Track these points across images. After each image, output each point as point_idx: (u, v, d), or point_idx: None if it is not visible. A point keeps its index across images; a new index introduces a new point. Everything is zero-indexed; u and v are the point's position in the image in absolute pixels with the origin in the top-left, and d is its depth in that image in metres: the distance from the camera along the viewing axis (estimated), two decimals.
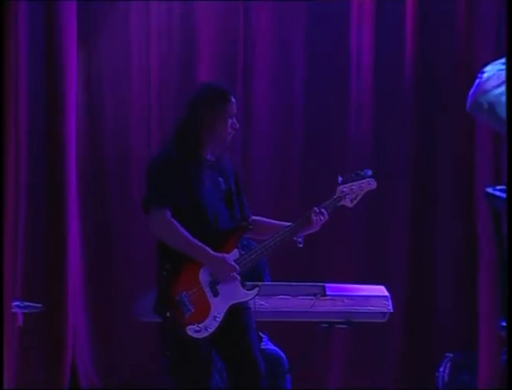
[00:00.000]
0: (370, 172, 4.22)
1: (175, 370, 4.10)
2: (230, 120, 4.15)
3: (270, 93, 6.37)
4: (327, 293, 5.11)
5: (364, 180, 4.20)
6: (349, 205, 4.21)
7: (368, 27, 6.37)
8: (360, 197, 4.21)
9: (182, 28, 6.21)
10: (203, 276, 4.04)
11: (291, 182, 6.33)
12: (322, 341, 5.57)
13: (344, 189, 4.18)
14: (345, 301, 5.15)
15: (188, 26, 6.20)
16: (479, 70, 2.30)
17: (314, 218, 4.12)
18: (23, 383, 5.41)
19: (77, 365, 5.73)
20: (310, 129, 6.38)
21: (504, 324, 2.60)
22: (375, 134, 6.40)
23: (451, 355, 5.76)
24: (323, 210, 4.13)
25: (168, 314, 4.00)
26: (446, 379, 5.68)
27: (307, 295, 5.09)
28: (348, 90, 6.41)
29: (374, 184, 4.22)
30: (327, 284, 5.16)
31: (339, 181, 4.18)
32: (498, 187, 2.66)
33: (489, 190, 2.68)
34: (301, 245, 4.18)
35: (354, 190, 4.19)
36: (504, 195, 2.58)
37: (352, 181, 4.19)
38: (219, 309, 4.02)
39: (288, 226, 4.17)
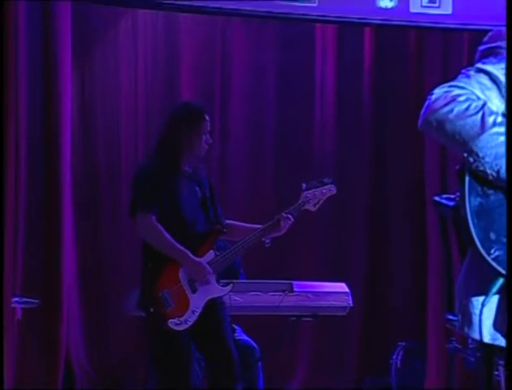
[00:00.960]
0: (330, 180, 4.25)
1: (158, 360, 4.11)
2: (204, 136, 4.17)
3: (244, 109, 6.38)
4: (295, 290, 5.13)
5: (325, 187, 4.23)
6: (313, 209, 4.23)
7: (331, 52, 6.39)
8: (322, 201, 4.23)
9: (166, 48, 6.20)
10: (182, 275, 4.06)
11: (262, 189, 6.33)
12: (290, 332, 5.55)
13: (308, 195, 4.19)
14: (310, 296, 5.17)
15: (172, 46, 6.20)
16: (429, 93, 2.30)
17: (281, 222, 4.14)
18: (20, 374, 5.38)
19: (71, 355, 5.70)
20: (279, 142, 6.39)
21: (449, 317, 2.61)
22: (336, 147, 6.42)
23: (403, 344, 5.84)
24: (289, 215, 4.15)
25: (152, 310, 4.01)
26: (399, 364, 5.75)
27: (276, 291, 5.11)
28: (313, 108, 6.42)
29: (334, 190, 4.24)
30: (294, 282, 5.18)
31: (303, 188, 4.20)
32: (444, 195, 2.67)
33: (436, 198, 2.71)
34: (267, 245, 4.20)
35: (317, 196, 4.21)
36: (449, 203, 2.58)
37: (314, 188, 4.21)
38: (197, 304, 4.04)
39: (259, 229, 4.19)
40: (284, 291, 5.11)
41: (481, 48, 2.37)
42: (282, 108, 6.38)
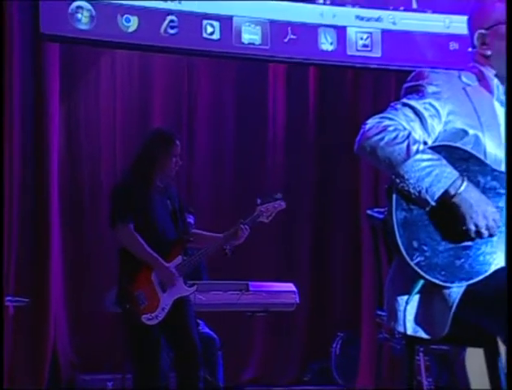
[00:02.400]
0: (280, 196, 4.26)
1: (133, 349, 4.10)
2: (174, 159, 4.16)
3: (207, 135, 6.39)
4: (250, 289, 5.19)
5: (276, 202, 4.23)
6: (266, 221, 4.23)
7: (281, 86, 6.46)
8: (274, 214, 4.23)
9: (140, 83, 6.20)
10: (154, 277, 4.06)
11: (223, 202, 6.33)
12: (246, 326, 5.70)
13: (262, 209, 4.20)
14: (264, 295, 5.22)
15: (145, 81, 6.20)
16: (363, 122, 2.27)
17: (239, 232, 4.15)
18: (11, 365, 5.32)
19: (57, 348, 5.66)
20: (237, 162, 6.39)
21: (379, 312, 2.61)
22: (286, 166, 6.46)
23: (341, 334, 5.88)
24: (246, 226, 4.16)
25: (127, 306, 4.03)
26: (338, 352, 5.80)
27: (234, 291, 5.16)
28: (266, 133, 6.47)
29: (284, 205, 4.25)
30: (250, 282, 5.23)
31: (257, 202, 4.21)
32: (375, 209, 2.65)
33: (369, 212, 2.69)
34: (229, 254, 4.22)
35: (269, 209, 4.21)
36: (379, 216, 2.57)
37: (267, 202, 4.22)
38: (166, 302, 4.04)
39: (219, 237, 4.20)
40: (241, 290, 5.16)
41: (406, 85, 2.32)
42: (240, 134, 6.40)
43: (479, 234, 2.11)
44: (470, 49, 2.39)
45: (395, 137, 2.15)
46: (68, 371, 5.72)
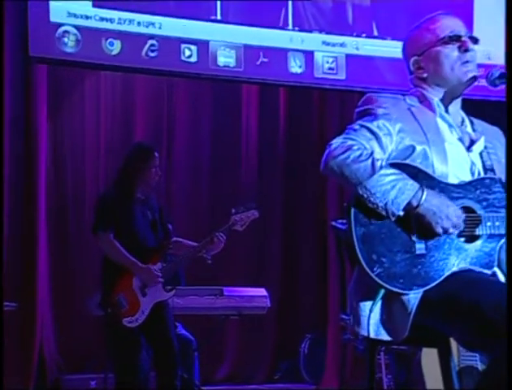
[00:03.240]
0: (254, 205, 4.27)
1: (114, 351, 4.11)
2: (154, 170, 4.18)
3: (185, 148, 6.39)
4: (224, 294, 5.19)
5: (250, 211, 4.24)
6: (240, 229, 4.23)
7: (254, 106, 6.49)
8: (247, 223, 4.24)
9: (122, 102, 6.20)
10: (135, 282, 4.07)
11: (200, 211, 6.32)
12: (220, 328, 5.60)
13: (236, 218, 4.20)
14: (237, 299, 5.23)
15: (127, 100, 6.19)
16: (329, 138, 2.31)
17: (215, 239, 4.16)
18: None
19: (44, 350, 5.62)
20: (213, 174, 6.39)
21: (343, 316, 2.67)
22: (258, 179, 6.48)
23: (309, 335, 5.90)
24: (221, 234, 4.17)
25: (109, 310, 4.03)
26: (306, 352, 5.82)
27: (210, 295, 5.16)
28: (240, 149, 6.49)
29: (257, 214, 4.26)
30: (224, 288, 5.23)
31: (232, 212, 4.21)
32: (339, 221, 2.68)
33: (333, 223, 2.75)
34: (209, 261, 4.23)
35: (243, 219, 4.21)
36: (343, 227, 2.59)
37: (241, 212, 4.22)
38: (146, 305, 4.05)
39: (197, 245, 4.21)
40: (215, 295, 5.16)
41: (357, 110, 2.35)
42: (215, 148, 6.40)
43: (448, 234, 2.16)
44: (410, 77, 2.44)
45: (360, 155, 2.18)
46: (54, 372, 5.67)
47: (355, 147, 2.20)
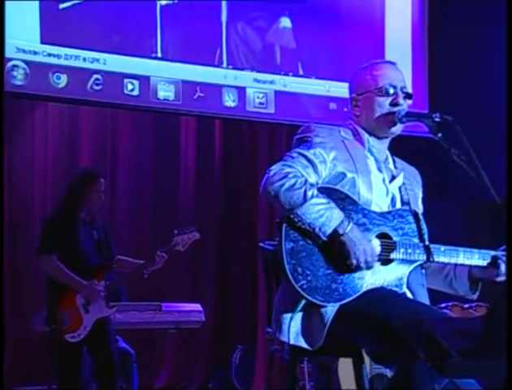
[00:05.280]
0: (195, 228, 4.24)
1: (58, 363, 4.05)
2: (97, 194, 4.13)
3: (128, 175, 6.34)
4: (163, 309, 5.13)
5: (191, 233, 4.21)
6: (181, 249, 4.20)
7: (192, 136, 6.45)
8: (189, 244, 4.20)
9: (69, 132, 6.11)
10: (79, 299, 4.02)
11: (144, 231, 6.24)
12: (159, 341, 5.65)
13: (178, 239, 4.16)
14: (175, 314, 5.18)
15: (74, 130, 6.11)
16: (259, 168, 2.35)
17: (157, 258, 4.12)
18: None
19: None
20: (155, 200, 6.32)
21: (268, 330, 2.60)
22: (196, 202, 6.44)
23: (240, 347, 5.84)
24: (163, 253, 4.13)
25: (53, 326, 3.98)
26: (237, 362, 5.75)
27: (149, 310, 5.09)
28: (179, 176, 6.44)
29: (197, 236, 4.24)
30: (163, 303, 5.16)
31: (175, 233, 4.17)
32: (267, 242, 2.68)
33: (261, 244, 2.73)
34: (146, 276, 4.18)
35: (185, 239, 4.18)
36: (270, 247, 2.61)
37: (183, 234, 4.19)
38: (88, 321, 4.00)
39: (140, 264, 4.18)
40: (154, 310, 5.09)
41: (296, 137, 2.39)
42: (157, 176, 6.35)
43: (358, 267, 2.19)
44: (345, 109, 2.50)
45: (294, 183, 2.20)
46: (2, 385, 5.45)
47: (291, 175, 2.22)
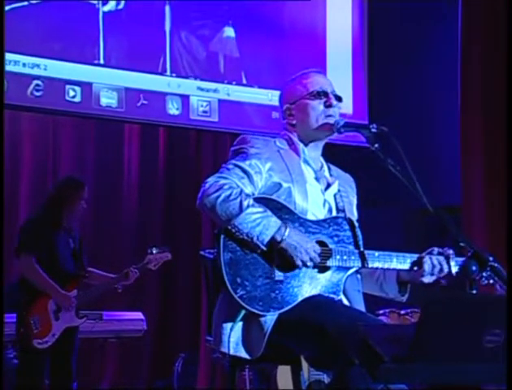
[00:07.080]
0: (168, 249, 4.39)
1: (23, 367, 4.03)
2: (81, 202, 4.16)
3: None
4: (104, 318, 5.06)
5: (164, 253, 4.36)
6: (153, 268, 4.33)
7: (135, 143, 6.41)
8: (160, 263, 4.34)
9: (10, 138, 5.79)
10: (50, 306, 4.03)
11: (121, 247, 6.14)
12: (100, 350, 5.55)
13: (151, 258, 4.29)
14: (115, 323, 5.14)
15: (14, 136, 5.93)
16: (203, 177, 2.33)
17: (130, 274, 4.22)
18: None
19: None
20: (97, 207, 6.05)
21: (208, 338, 2.64)
22: (139, 210, 6.32)
23: (183, 355, 5.77)
24: (135, 270, 4.23)
25: (22, 330, 3.96)
26: (179, 370, 5.68)
27: (90, 320, 4.84)
28: (121, 182, 6.40)
29: (169, 256, 4.40)
30: (103, 312, 5.09)
31: (148, 251, 4.30)
32: (207, 250, 2.70)
33: (201, 252, 2.74)
34: (120, 290, 4.29)
35: (157, 259, 4.32)
36: (210, 255, 2.63)
37: (156, 253, 4.31)
38: (57, 329, 4.02)
39: (113, 277, 4.25)
40: (95, 319, 4.99)
41: (232, 149, 2.40)
42: (98, 183, 6.22)
43: (306, 266, 2.22)
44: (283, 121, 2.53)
45: (229, 195, 2.20)
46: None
47: (226, 186, 2.22)
